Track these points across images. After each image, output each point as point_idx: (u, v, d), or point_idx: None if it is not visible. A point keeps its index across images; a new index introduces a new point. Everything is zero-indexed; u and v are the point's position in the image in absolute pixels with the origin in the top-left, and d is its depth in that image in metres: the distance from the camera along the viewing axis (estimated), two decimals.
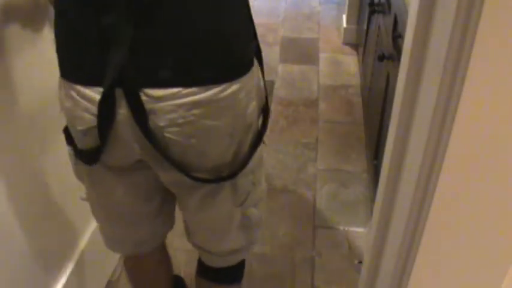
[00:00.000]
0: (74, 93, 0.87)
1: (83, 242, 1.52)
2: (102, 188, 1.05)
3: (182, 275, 1.64)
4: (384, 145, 0.98)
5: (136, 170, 1.00)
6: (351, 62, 2.98)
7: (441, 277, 0.84)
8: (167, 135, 0.87)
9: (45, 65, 1.20)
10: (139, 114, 0.85)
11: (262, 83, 1.00)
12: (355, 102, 2.62)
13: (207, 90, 0.84)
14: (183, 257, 1.70)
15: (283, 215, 1.97)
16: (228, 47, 0.86)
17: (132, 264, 1.32)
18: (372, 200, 1.82)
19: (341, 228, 1.91)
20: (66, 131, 0.99)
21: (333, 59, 3.04)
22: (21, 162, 1.20)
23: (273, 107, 2.58)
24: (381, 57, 1.61)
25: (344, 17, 3.17)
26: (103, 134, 0.88)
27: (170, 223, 1.21)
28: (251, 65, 0.92)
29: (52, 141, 1.26)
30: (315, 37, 3.29)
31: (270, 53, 3.07)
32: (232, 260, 1.21)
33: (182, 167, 0.93)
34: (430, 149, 0.72)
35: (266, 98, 1.04)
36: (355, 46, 3.11)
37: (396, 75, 0.86)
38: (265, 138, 1.08)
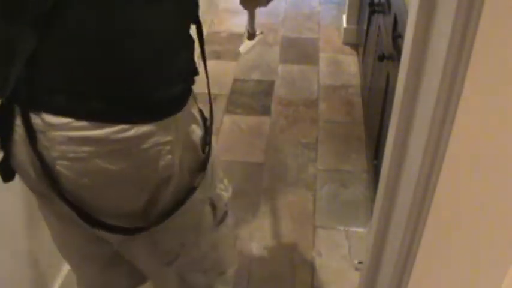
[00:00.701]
0: None
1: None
2: (40, 212, 1.00)
3: None
4: (384, 145, 0.97)
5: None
6: (351, 62, 2.98)
7: (441, 277, 0.84)
8: (58, 168, 0.78)
9: None
10: (33, 138, 0.77)
11: (196, 136, 0.89)
12: (355, 102, 2.62)
13: (98, 127, 0.74)
14: None
15: (283, 215, 1.97)
16: (134, 85, 0.76)
17: None
18: (372, 200, 1.82)
19: (341, 228, 1.91)
20: None
21: (333, 59, 3.03)
22: None
23: (273, 107, 2.58)
24: (381, 57, 1.61)
25: (344, 17, 3.16)
26: (5, 149, 0.81)
27: (131, 280, 1.11)
28: (171, 111, 0.80)
29: None
30: (315, 37, 3.29)
31: (270, 53, 3.07)
32: None
33: (77, 206, 0.83)
34: (430, 149, 0.72)
35: (208, 154, 0.92)
36: (355, 46, 3.10)
37: (396, 75, 0.86)
38: (221, 204, 1.00)
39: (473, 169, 0.70)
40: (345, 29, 3.14)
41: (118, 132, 0.75)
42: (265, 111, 2.55)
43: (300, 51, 3.13)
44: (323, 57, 3.06)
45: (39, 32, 0.73)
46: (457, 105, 0.66)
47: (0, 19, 0.74)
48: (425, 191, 0.77)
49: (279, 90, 2.72)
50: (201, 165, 0.91)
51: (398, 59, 0.94)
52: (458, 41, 0.62)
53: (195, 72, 0.87)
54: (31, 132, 0.77)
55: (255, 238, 1.87)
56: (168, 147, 0.81)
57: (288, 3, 3.74)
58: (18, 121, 0.78)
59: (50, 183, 0.81)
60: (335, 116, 2.53)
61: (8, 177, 0.86)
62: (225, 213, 1.04)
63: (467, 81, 0.64)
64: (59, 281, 1.47)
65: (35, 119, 0.77)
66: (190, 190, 0.89)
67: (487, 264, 0.78)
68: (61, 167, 0.78)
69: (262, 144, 2.33)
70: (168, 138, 0.80)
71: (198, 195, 0.91)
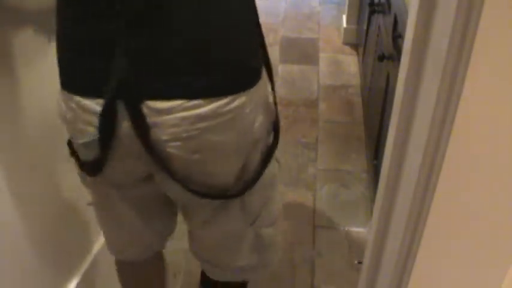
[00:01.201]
0: (73, 105, 0.85)
1: (96, 246, 1.52)
2: (106, 201, 1.04)
3: (182, 274, 1.63)
4: (384, 145, 0.97)
5: (139, 185, 0.98)
6: (351, 62, 2.98)
7: (441, 277, 0.84)
8: (170, 150, 0.84)
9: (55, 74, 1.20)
10: (141, 127, 0.82)
11: (271, 98, 0.96)
12: (355, 102, 2.62)
13: (211, 103, 0.81)
14: (181, 255, 1.70)
15: (283, 215, 1.97)
16: (232, 57, 0.83)
17: (129, 271, 1.28)
18: (372, 200, 1.82)
19: (341, 228, 1.91)
20: (70, 143, 0.97)
21: (333, 59, 3.04)
22: (34, 166, 1.20)
23: None
24: (381, 57, 1.61)
25: (344, 17, 3.17)
26: (105, 147, 0.86)
27: (172, 229, 1.18)
28: (258, 77, 0.88)
29: (64, 146, 1.27)
30: (315, 37, 3.29)
31: (270, 53, 3.07)
32: (237, 277, 1.16)
33: (186, 183, 0.90)
34: (430, 149, 0.72)
35: (276, 113, 0.99)
36: (355, 46, 3.11)
37: (396, 75, 0.86)
38: (279, 156, 1.04)
39: (473, 169, 0.70)
40: (345, 29, 3.14)
41: (225, 105, 0.82)
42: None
43: (300, 51, 3.13)
44: (323, 57, 3.06)
45: (135, 29, 0.77)
46: (457, 105, 0.66)
47: (98, 18, 0.79)
48: (425, 191, 0.77)
49: (279, 90, 2.72)
50: (273, 125, 0.99)
51: (398, 59, 0.94)
52: (458, 41, 0.62)
53: (263, 41, 0.96)
54: (139, 123, 0.81)
55: None
56: (260, 110, 0.90)
57: (288, 3, 3.74)
58: (122, 115, 0.81)
59: (160, 167, 0.86)
60: (335, 116, 2.53)
61: (97, 173, 0.92)
62: (279, 166, 1.10)
63: (467, 81, 0.64)
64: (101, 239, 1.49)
65: (142, 109, 0.81)
66: (271, 149, 0.98)
67: (487, 264, 0.78)
68: (172, 148, 0.84)
69: None
70: (257, 102, 0.88)
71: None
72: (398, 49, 1.45)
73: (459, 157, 0.70)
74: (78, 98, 0.84)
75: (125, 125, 0.82)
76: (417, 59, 0.74)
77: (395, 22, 1.53)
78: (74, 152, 0.96)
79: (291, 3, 3.76)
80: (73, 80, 0.86)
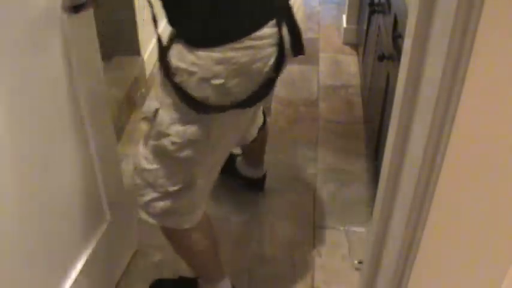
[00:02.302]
0: (251, 42, 1.09)
1: (91, 244, 1.51)
2: (234, 127, 1.30)
3: None
4: (384, 145, 0.98)
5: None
6: (351, 62, 2.98)
7: (441, 277, 0.84)
8: (265, 70, 1.16)
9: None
10: (294, 29, 1.15)
11: None
12: (355, 102, 2.62)
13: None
14: None
15: (283, 215, 1.97)
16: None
17: (205, 222, 1.45)
18: (372, 200, 1.82)
19: (341, 228, 1.91)
20: (203, 105, 1.16)
21: (333, 59, 3.03)
22: (30, 160, 1.19)
23: (273, 107, 2.58)
24: (381, 57, 1.61)
25: (344, 17, 3.16)
26: (281, 57, 1.16)
27: None
28: None
29: (62, 130, 1.26)
30: (315, 37, 3.28)
31: None
32: None
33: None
34: (430, 149, 0.72)
35: None
36: (355, 46, 3.10)
37: (396, 75, 0.86)
38: None
39: (473, 169, 0.70)
40: (345, 29, 3.14)
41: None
42: (266, 111, 2.55)
43: None
44: (323, 57, 3.06)
45: None
46: (457, 105, 0.66)
47: None
48: (425, 191, 0.77)
49: (279, 90, 2.71)
50: None
51: (398, 59, 0.94)
52: (458, 41, 0.62)
53: None
54: (293, 26, 1.15)
55: (255, 238, 1.87)
56: None
57: None
58: (283, 25, 1.14)
59: (268, 87, 1.21)
60: (335, 116, 2.53)
61: (268, 92, 1.24)
62: None
63: (467, 81, 0.64)
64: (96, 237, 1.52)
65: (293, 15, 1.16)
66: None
67: (487, 264, 0.78)
68: (268, 68, 1.16)
69: None
70: None
71: None
72: (398, 49, 1.45)
73: (459, 157, 0.71)
74: (256, 34, 1.09)
75: (285, 33, 1.14)
76: (417, 59, 0.74)
77: (395, 22, 1.54)
78: (220, 108, 1.17)
79: None
80: (246, 23, 1.10)
